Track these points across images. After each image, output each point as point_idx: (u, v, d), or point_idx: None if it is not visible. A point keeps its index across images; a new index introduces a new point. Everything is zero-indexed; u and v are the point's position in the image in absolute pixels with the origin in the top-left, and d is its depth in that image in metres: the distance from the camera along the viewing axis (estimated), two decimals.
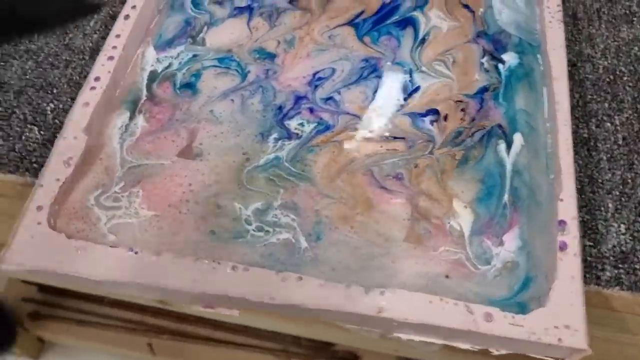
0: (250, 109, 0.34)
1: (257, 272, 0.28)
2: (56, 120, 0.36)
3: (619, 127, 0.37)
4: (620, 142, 0.36)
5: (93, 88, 0.33)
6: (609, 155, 0.36)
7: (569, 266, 0.28)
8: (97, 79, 0.34)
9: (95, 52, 0.39)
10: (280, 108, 0.34)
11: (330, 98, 0.35)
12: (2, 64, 0.39)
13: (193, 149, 0.33)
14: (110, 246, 0.29)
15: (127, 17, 0.37)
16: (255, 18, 0.39)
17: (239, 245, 0.29)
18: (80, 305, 0.47)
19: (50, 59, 0.39)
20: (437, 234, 0.30)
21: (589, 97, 0.38)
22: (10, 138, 0.36)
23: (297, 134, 0.33)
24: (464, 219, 0.31)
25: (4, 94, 0.37)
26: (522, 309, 0.27)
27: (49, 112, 0.37)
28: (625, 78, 0.40)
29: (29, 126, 0.36)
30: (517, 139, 0.33)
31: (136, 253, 0.28)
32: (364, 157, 0.33)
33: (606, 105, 0.38)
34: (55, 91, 0.38)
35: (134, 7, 0.37)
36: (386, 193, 0.31)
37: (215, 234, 0.30)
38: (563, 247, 0.28)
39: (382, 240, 0.30)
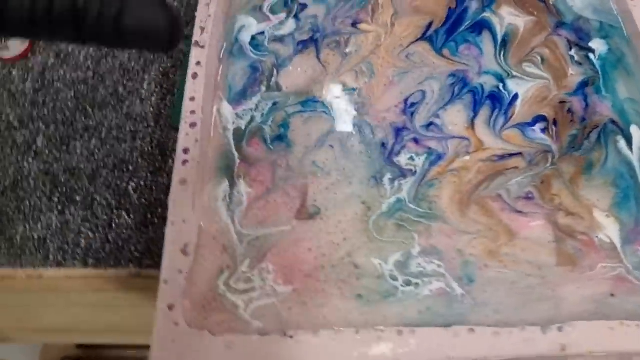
0: (353, 151, 0.32)
1: (426, 332, 0.26)
2: (142, 200, 0.34)
3: None
4: None
5: (185, 162, 0.31)
6: None
7: None
8: (186, 150, 0.31)
9: (158, 116, 0.37)
10: (383, 145, 0.32)
11: (431, 124, 0.33)
12: (64, 148, 0.36)
13: (309, 208, 0.31)
14: (260, 334, 0.27)
15: (195, 75, 0.34)
16: (324, 50, 0.37)
17: (392, 305, 0.28)
18: None
19: (114, 133, 0.37)
20: (589, 251, 0.29)
21: None
22: (100, 228, 0.33)
23: (411, 169, 0.31)
24: (610, 229, 0.29)
25: (77, 180, 0.35)
26: None
27: (132, 193, 0.34)
28: None
29: (115, 212, 0.34)
30: (635, 131, 0.32)
31: (291, 337, 0.26)
32: (488, 181, 0.31)
33: None
34: (130, 168, 0.35)
35: (198, 63, 0.35)
36: (522, 217, 0.30)
37: (363, 298, 0.28)
38: None
39: (536, 269, 0.28)
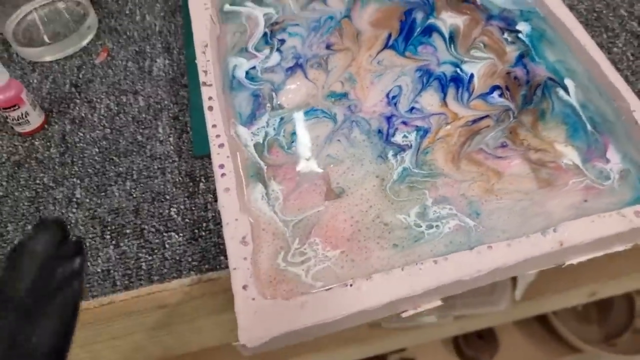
0: (357, 141, 0.39)
1: (455, 256, 0.33)
2: (186, 220, 0.39)
3: (623, 48, 0.46)
4: (631, 57, 0.45)
5: (223, 174, 0.37)
6: (630, 71, 0.44)
7: None
8: (221, 166, 0.37)
9: (180, 152, 0.43)
10: (379, 131, 0.40)
11: (412, 108, 0.41)
12: (103, 194, 0.41)
13: (335, 190, 0.37)
14: (325, 289, 0.32)
15: (211, 108, 0.40)
16: (309, 71, 0.44)
17: (423, 246, 0.34)
18: None
19: (145, 173, 0.42)
20: (559, 173, 0.36)
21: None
22: (155, 251, 0.38)
23: (407, 144, 0.39)
24: (571, 154, 0.37)
25: (123, 217, 0.40)
26: None
27: (174, 216, 0.39)
28: (604, 11, 0.49)
29: (165, 234, 0.39)
30: (569, 82, 0.41)
31: (351, 285, 0.32)
32: (469, 140, 0.38)
33: (604, 36, 0.47)
34: (168, 197, 0.40)
35: (210, 98, 0.41)
36: (503, 160, 0.37)
37: (398, 246, 0.34)
38: None
39: (524, 195, 0.36)
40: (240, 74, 0.44)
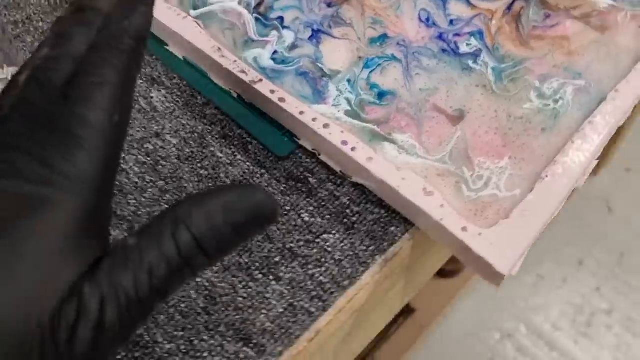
0: (433, 66, 0.39)
1: (597, 113, 0.35)
2: (326, 217, 0.36)
3: None
4: None
5: (354, 149, 0.34)
6: None
7: None
8: (344, 142, 0.35)
9: (260, 162, 0.39)
10: (443, 51, 0.40)
11: (451, 21, 0.42)
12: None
13: (454, 113, 0.37)
14: (529, 192, 0.33)
15: (282, 99, 0.37)
16: (334, 31, 0.42)
17: (564, 118, 0.36)
18: None
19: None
20: (605, 16, 0.41)
21: None
22: (322, 260, 0.35)
23: (477, 49, 0.40)
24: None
25: (258, 251, 0.35)
26: None
27: (311, 219, 0.36)
28: None
29: (316, 242, 0.35)
30: None
31: (546, 176, 0.33)
32: (519, 24, 0.41)
33: None
34: (287, 208, 0.37)
35: (272, 92, 0.37)
36: (558, 26, 0.41)
37: (546, 129, 0.36)
38: None
39: (597, 44, 0.39)
40: (267, 62, 0.41)
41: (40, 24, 0.49)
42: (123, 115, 0.22)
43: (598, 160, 0.35)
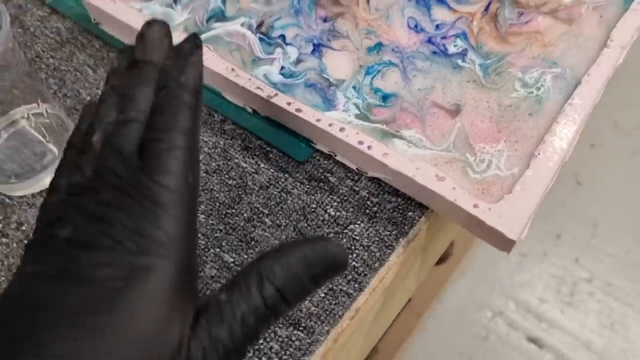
0: (426, 68, 0.44)
1: (576, 95, 0.40)
2: (350, 210, 0.40)
3: None
4: None
5: (370, 147, 0.39)
6: None
7: None
8: (360, 142, 0.39)
9: (282, 168, 0.42)
10: (434, 53, 0.45)
11: (437, 26, 0.46)
12: (252, 245, 0.40)
13: (452, 107, 0.42)
14: (525, 169, 0.38)
15: (299, 110, 0.41)
16: (333, 44, 0.46)
17: (547, 103, 0.41)
18: None
19: (273, 202, 0.41)
20: (569, 10, 0.46)
21: None
22: (352, 248, 0.39)
23: (463, 48, 0.45)
24: None
25: None
26: None
27: (336, 213, 0.40)
28: None
29: (344, 233, 0.39)
30: None
31: (539, 154, 0.38)
32: (497, 23, 0.46)
33: None
34: (313, 206, 0.41)
35: (289, 103, 0.41)
36: (531, 22, 0.46)
37: (532, 113, 0.41)
38: None
39: (567, 35, 0.45)
40: (277, 77, 0.45)
41: (51, 60, 0.52)
42: (195, 174, 0.24)
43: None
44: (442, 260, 1.18)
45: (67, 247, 0.22)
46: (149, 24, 0.26)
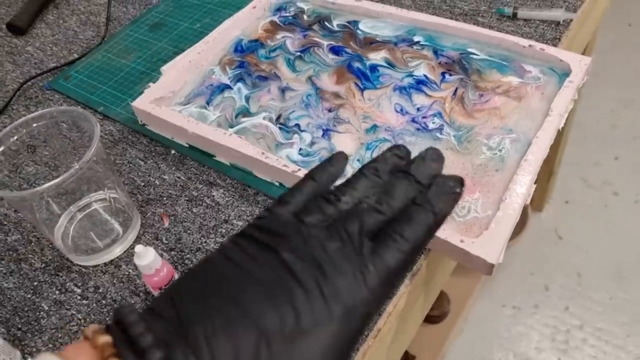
0: (413, 141, 0.56)
1: (529, 153, 0.53)
2: None
3: (482, 20, 0.72)
4: (485, 15, 0.72)
5: None
6: (489, 26, 0.71)
7: None
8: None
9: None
10: (418, 129, 0.57)
11: (418, 109, 0.60)
12: None
13: None
14: (498, 210, 0.49)
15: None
16: (338, 127, 0.59)
17: (509, 160, 0.53)
18: None
19: None
20: (518, 90, 0.60)
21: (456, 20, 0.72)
22: None
23: (440, 124, 0.57)
24: (512, 79, 0.61)
25: None
26: None
27: None
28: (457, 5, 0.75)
29: None
30: (470, 49, 0.65)
31: (506, 199, 0.50)
32: (464, 104, 0.59)
33: (467, 17, 0.73)
34: None
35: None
36: (490, 101, 0.59)
37: (499, 169, 0.53)
38: None
39: (518, 109, 0.58)
40: (297, 157, 0.57)
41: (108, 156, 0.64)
42: (399, 284, 0.29)
43: (535, 185, 0.52)
44: (438, 319, 1.26)
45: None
46: (431, 150, 0.32)
